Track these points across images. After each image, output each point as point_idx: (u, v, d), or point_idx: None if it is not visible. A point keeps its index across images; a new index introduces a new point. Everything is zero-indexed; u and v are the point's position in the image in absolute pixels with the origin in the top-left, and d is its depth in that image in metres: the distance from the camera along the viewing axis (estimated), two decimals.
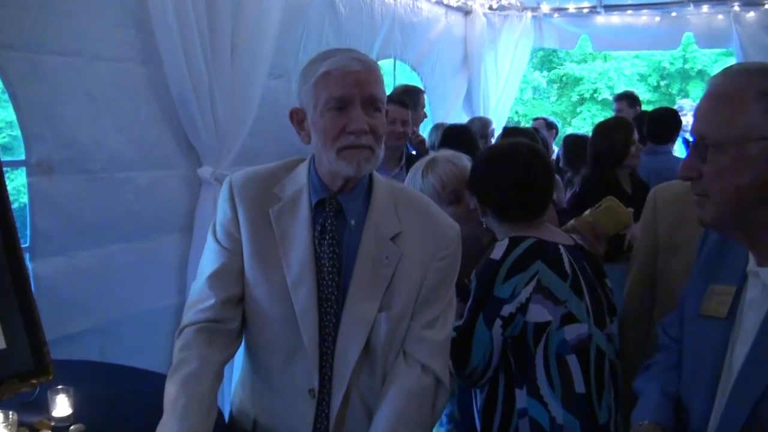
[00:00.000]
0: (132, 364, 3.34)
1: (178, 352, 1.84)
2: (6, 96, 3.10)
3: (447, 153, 2.78)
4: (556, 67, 19.80)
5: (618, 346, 2.39)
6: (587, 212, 2.72)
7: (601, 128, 4.48)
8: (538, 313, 2.19)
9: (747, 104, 1.55)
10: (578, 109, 19.44)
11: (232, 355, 1.94)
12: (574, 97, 19.52)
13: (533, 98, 20.01)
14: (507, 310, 2.19)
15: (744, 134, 1.55)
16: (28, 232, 3.12)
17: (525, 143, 2.52)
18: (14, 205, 2.25)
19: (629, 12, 7.71)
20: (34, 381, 2.10)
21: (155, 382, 1.95)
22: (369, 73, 1.84)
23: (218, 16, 3.80)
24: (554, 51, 18.50)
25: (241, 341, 1.99)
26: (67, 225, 3.24)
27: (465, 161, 2.70)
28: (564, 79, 19.82)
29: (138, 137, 3.60)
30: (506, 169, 2.41)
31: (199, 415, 1.71)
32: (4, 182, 2.16)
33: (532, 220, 2.41)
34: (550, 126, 6.94)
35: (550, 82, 20.15)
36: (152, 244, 3.68)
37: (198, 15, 3.65)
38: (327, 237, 1.90)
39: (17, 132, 3.13)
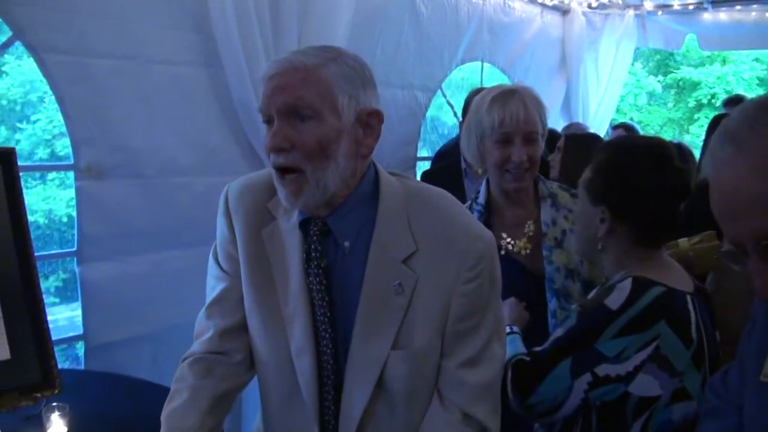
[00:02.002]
0: None
1: (173, 383, 1.68)
2: None
3: (527, 90, 2.40)
4: (672, 72, 18.92)
5: None
6: (685, 241, 2.37)
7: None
8: (647, 385, 1.79)
9: None
10: (695, 116, 18.53)
11: (238, 386, 1.73)
12: (691, 103, 18.62)
13: (648, 104, 19.19)
14: (605, 370, 1.79)
15: None
16: (75, 236, 3.10)
17: (669, 142, 2.16)
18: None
19: (738, 8, 7.08)
20: (38, 395, 2.01)
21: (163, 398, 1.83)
22: (288, 75, 1.50)
23: (283, 17, 3.72)
24: (671, 54, 17.71)
25: (251, 373, 1.76)
26: (117, 230, 3.22)
27: (537, 107, 2.36)
28: (680, 83, 18.93)
29: (197, 142, 3.55)
30: (667, 175, 1.90)
31: None
32: (21, 189, 2.11)
33: (660, 248, 1.97)
34: (629, 130, 6.45)
35: (666, 87, 19.27)
36: (209, 251, 3.59)
37: (260, 16, 3.58)
38: (312, 266, 1.60)
39: None
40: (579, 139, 3.99)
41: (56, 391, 2.05)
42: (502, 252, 2.40)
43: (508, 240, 2.43)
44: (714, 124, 3.93)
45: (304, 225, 1.62)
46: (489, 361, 1.62)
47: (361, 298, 1.58)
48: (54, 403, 1.91)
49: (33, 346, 2.06)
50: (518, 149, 2.33)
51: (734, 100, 6.36)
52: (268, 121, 1.54)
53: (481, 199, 2.51)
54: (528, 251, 2.42)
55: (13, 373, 2.00)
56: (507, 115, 2.31)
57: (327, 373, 1.64)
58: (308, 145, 1.49)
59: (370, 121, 1.58)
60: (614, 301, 1.81)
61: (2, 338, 2.00)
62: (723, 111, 6.42)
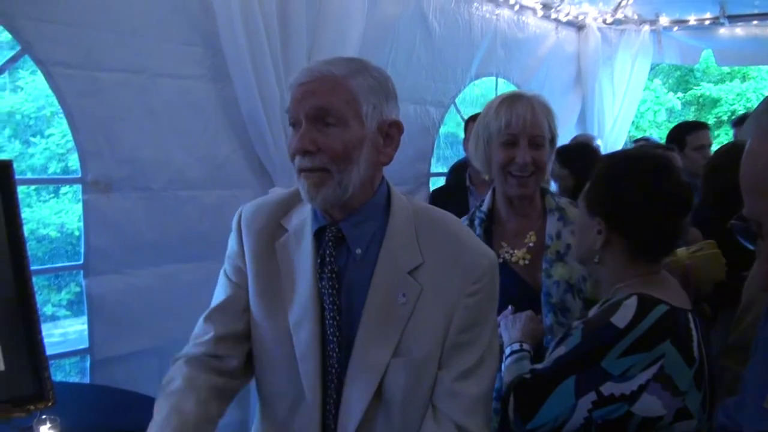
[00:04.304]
0: None
1: (165, 378, 1.69)
2: None
3: (537, 97, 2.38)
4: (692, 88, 18.80)
5: None
6: (683, 251, 2.32)
7: (731, 158, 3.47)
8: (651, 405, 1.75)
9: None
10: (715, 133, 18.35)
11: (231, 388, 1.75)
12: (711, 120, 18.41)
13: (668, 121, 19.04)
14: (610, 389, 1.75)
15: None
16: (82, 250, 3.12)
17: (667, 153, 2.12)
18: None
19: (755, 23, 7.00)
20: (32, 407, 2.01)
21: None
22: (319, 82, 1.59)
23: (292, 33, 3.75)
24: (690, 71, 17.61)
25: (244, 380, 1.80)
26: (124, 243, 3.24)
27: (545, 113, 2.33)
28: (700, 100, 18.80)
29: (205, 156, 3.58)
30: (665, 187, 1.88)
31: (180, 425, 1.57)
32: (18, 202, 2.12)
33: (658, 263, 1.94)
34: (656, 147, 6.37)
35: (686, 104, 19.13)
36: (218, 265, 3.59)
37: (270, 32, 3.60)
38: (326, 270, 1.67)
39: None
40: None
41: (50, 404, 2.05)
42: (500, 260, 2.33)
43: (507, 249, 2.39)
44: (723, 154, 3.61)
45: (319, 233, 1.70)
46: (482, 374, 1.66)
47: (366, 304, 1.64)
48: (44, 416, 1.91)
49: (27, 359, 2.06)
50: (523, 151, 2.30)
51: (743, 119, 6.13)
52: (294, 124, 1.63)
53: (485, 207, 2.48)
54: (527, 262, 2.37)
55: (6, 384, 2.01)
56: (514, 116, 2.29)
57: (331, 377, 1.67)
58: (334, 149, 1.58)
59: (391, 132, 1.67)
60: (620, 319, 1.77)
61: None
62: (733, 132, 6.21)
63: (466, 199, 4.27)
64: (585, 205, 2.00)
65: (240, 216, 1.79)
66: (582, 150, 4.42)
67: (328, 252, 1.67)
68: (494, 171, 2.38)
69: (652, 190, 1.87)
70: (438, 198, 4.61)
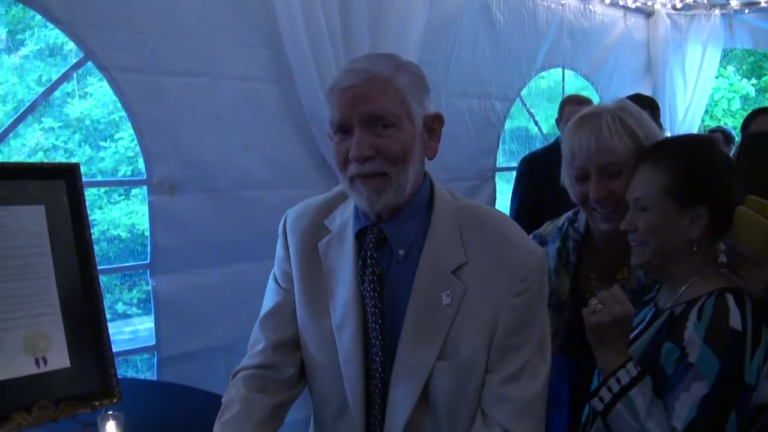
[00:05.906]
0: None
1: (225, 397, 1.70)
2: None
3: (617, 110, 1.98)
4: (766, 74, 18.12)
5: None
6: None
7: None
8: (764, 392, 1.69)
9: None
10: None
11: (289, 400, 1.74)
12: None
13: (742, 109, 18.44)
14: (752, 399, 1.66)
15: None
16: (149, 249, 3.18)
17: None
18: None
19: None
20: (97, 403, 2.03)
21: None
22: (368, 85, 1.52)
23: (354, 30, 3.74)
24: (765, 56, 17.01)
25: (301, 387, 1.78)
26: (190, 243, 3.28)
27: (622, 129, 1.94)
28: None
29: (270, 156, 3.60)
30: (732, 170, 1.85)
31: None
32: (84, 203, 2.15)
33: None
34: (729, 139, 6.09)
35: (761, 90, 18.47)
36: None
37: (331, 31, 3.61)
38: (368, 272, 1.62)
39: None
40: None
41: (115, 400, 2.07)
42: (586, 297, 1.91)
43: (596, 284, 2.00)
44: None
45: (360, 235, 1.65)
46: (531, 377, 1.59)
47: (410, 306, 1.59)
48: (110, 412, 1.93)
49: (93, 356, 2.09)
50: (594, 185, 1.96)
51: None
52: (345, 131, 1.57)
53: (581, 227, 2.17)
54: None
55: (72, 381, 2.04)
56: (576, 146, 1.97)
57: (375, 381, 1.64)
58: (393, 151, 1.54)
59: (434, 125, 1.63)
60: (736, 320, 1.66)
61: (63, 347, 2.04)
62: None
63: None
64: (671, 199, 1.79)
65: (285, 220, 1.78)
66: None
67: (369, 254, 1.63)
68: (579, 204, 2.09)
69: (732, 173, 1.82)
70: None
